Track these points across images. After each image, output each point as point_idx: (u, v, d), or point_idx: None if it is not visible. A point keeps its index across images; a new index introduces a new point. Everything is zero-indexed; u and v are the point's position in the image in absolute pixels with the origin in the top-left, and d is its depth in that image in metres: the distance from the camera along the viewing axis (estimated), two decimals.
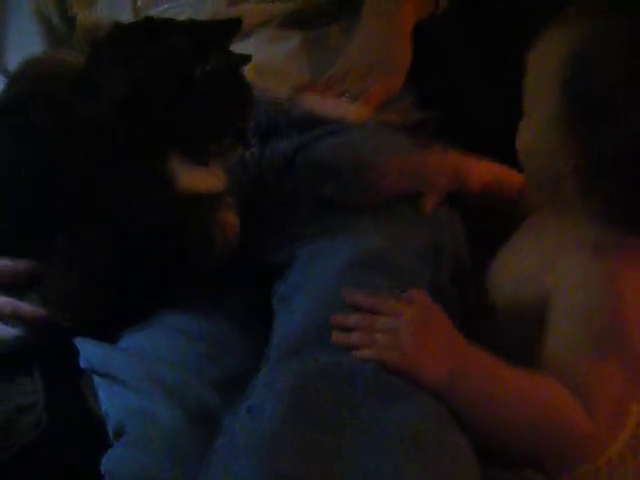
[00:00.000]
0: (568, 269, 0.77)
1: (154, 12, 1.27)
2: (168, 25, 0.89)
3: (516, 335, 0.79)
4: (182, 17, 1.21)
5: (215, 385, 0.80)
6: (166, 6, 1.29)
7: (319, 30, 1.28)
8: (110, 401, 0.83)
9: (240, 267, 0.92)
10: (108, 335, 0.88)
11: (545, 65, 0.82)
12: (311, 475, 0.64)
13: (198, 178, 0.88)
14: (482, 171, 0.96)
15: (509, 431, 0.70)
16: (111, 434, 0.83)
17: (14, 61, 1.19)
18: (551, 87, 0.80)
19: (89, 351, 0.87)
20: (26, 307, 0.90)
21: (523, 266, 0.83)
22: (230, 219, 0.91)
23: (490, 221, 0.94)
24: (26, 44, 1.29)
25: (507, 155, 1.27)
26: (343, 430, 0.67)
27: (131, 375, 0.81)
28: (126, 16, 1.27)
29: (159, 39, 0.85)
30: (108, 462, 0.78)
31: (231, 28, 0.92)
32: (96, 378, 0.89)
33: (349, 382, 0.70)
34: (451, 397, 0.71)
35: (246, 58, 0.86)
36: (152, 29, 0.88)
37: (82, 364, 0.90)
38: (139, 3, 1.29)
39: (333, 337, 0.74)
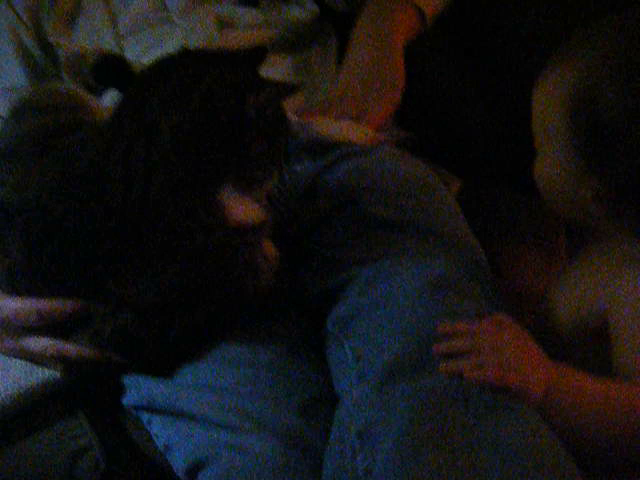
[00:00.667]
0: (622, 287, 0.80)
1: (136, 38, 1.26)
2: (208, 57, 0.89)
3: (579, 355, 0.82)
4: (172, 39, 1.24)
5: (297, 411, 0.80)
6: (147, 31, 1.27)
7: (304, 53, 1.30)
8: (179, 438, 0.82)
9: (283, 297, 0.92)
10: (161, 370, 0.87)
11: (552, 98, 0.84)
12: None
13: (248, 209, 0.88)
14: None
15: (601, 439, 0.74)
16: (182, 472, 0.82)
17: None
18: (560, 120, 0.83)
19: (148, 388, 0.86)
20: (71, 347, 0.88)
21: (580, 288, 0.86)
22: (270, 249, 0.92)
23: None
24: (7, 76, 1.25)
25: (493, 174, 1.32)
26: (469, 449, 0.69)
27: (208, 409, 0.81)
28: (107, 42, 1.26)
29: (204, 72, 0.85)
30: None
31: (258, 56, 0.93)
32: (147, 415, 0.88)
33: (465, 403, 0.73)
34: (548, 411, 0.74)
35: (294, 88, 0.87)
36: (194, 62, 0.87)
37: (131, 402, 0.88)
38: (120, 29, 1.27)
39: (441, 367, 0.76)
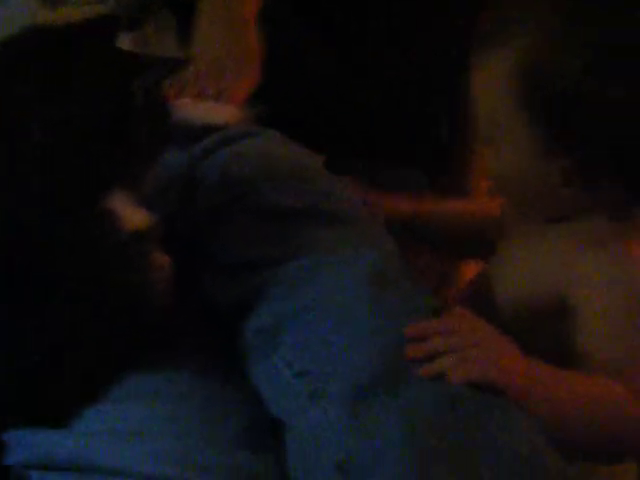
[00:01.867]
0: (587, 268, 0.76)
1: None
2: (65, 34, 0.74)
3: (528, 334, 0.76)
4: None
5: (238, 444, 0.69)
6: None
7: (139, 29, 1.17)
8: None
9: (186, 313, 0.80)
10: (60, 419, 0.72)
11: (497, 86, 0.78)
12: None
13: (138, 213, 0.75)
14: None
15: (578, 430, 0.69)
16: None
17: None
18: (513, 105, 0.77)
19: (44, 442, 0.71)
20: None
21: (533, 267, 0.81)
22: (160, 259, 0.79)
23: None
24: None
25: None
26: (469, 457, 0.64)
27: (131, 460, 0.67)
28: None
29: (75, 54, 0.70)
30: None
31: (113, 27, 0.78)
32: (37, 474, 0.73)
33: (453, 408, 0.66)
34: (528, 404, 0.68)
35: (181, 63, 0.74)
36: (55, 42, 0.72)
37: (19, 460, 0.73)
38: None
39: (422, 371, 0.67)
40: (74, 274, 0.70)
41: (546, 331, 0.77)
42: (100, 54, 0.71)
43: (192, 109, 1.01)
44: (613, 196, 0.77)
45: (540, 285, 0.78)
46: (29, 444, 0.72)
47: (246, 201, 0.85)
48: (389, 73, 1.23)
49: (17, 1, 1.08)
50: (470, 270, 1.49)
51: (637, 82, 0.74)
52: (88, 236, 0.70)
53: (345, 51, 1.22)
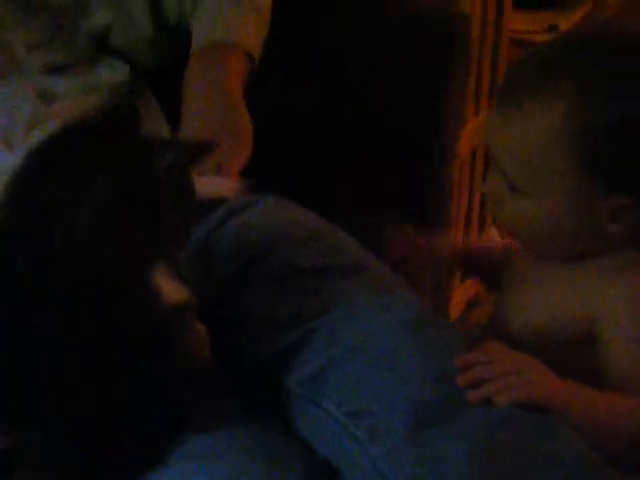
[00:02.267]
0: (618, 290, 0.81)
1: None
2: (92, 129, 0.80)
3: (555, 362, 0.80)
4: None
5: None
6: None
7: None
8: None
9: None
10: None
11: (546, 132, 0.80)
12: None
13: (176, 287, 0.80)
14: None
15: (615, 441, 0.75)
16: None
17: None
18: (566, 150, 0.79)
19: None
20: None
21: (553, 300, 0.85)
22: (198, 327, 0.84)
23: None
24: None
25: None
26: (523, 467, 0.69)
27: None
28: None
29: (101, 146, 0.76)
30: None
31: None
32: None
33: (505, 427, 0.71)
34: (570, 419, 0.74)
35: (207, 147, 0.80)
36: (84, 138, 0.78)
37: None
38: None
39: (471, 397, 0.73)
40: (126, 346, 0.74)
41: (572, 360, 0.81)
42: (123, 142, 0.77)
43: (196, 185, 1.08)
44: None
45: (569, 313, 0.83)
46: None
47: (263, 264, 0.91)
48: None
49: (20, 97, 1.13)
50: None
51: None
52: (136, 311, 0.75)
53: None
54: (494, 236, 1.79)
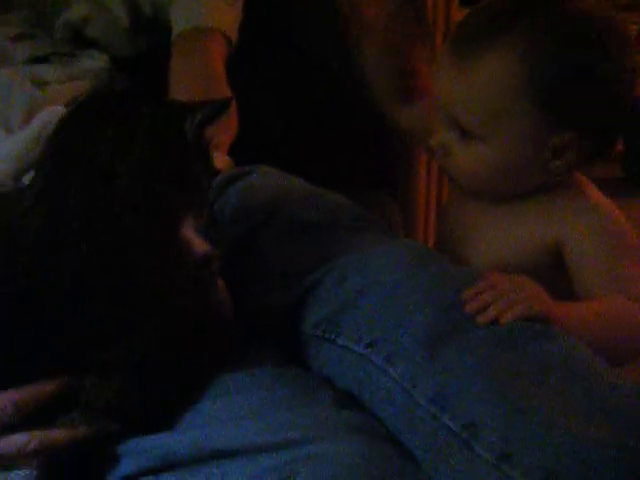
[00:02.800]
0: (580, 216, 0.93)
1: None
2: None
3: None
4: None
5: (338, 406, 0.81)
6: None
7: None
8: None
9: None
10: (168, 422, 0.81)
11: (504, 76, 0.88)
12: None
13: (201, 241, 0.86)
14: None
15: (605, 340, 0.85)
16: None
17: None
18: (521, 91, 0.88)
19: (159, 444, 0.79)
20: (59, 433, 0.79)
21: (518, 235, 0.96)
22: (220, 280, 0.90)
23: None
24: None
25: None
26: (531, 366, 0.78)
27: (255, 436, 0.76)
28: None
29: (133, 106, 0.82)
30: None
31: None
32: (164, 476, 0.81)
33: (511, 337, 0.79)
34: (566, 328, 0.83)
35: (225, 104, 0.86)
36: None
37: (133, 469, 0.81)
38: None
39: (479, 319, 0.81)
40: (159, 293, 0.80)
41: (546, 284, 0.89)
42: (153, 104, 0.83)
43: None
44: (584, 156, 0.94)
45: (536, 243, 0.94)
46: (142, 450, 0.80)
47: (272, 221, 0.98)
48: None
49: (16, 83, 1.17)
50: None
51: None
52: (169, 261, 0.81)
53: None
54: None
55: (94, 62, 1.31)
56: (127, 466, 0.82)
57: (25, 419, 0.79)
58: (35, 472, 0.82)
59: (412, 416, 0.78)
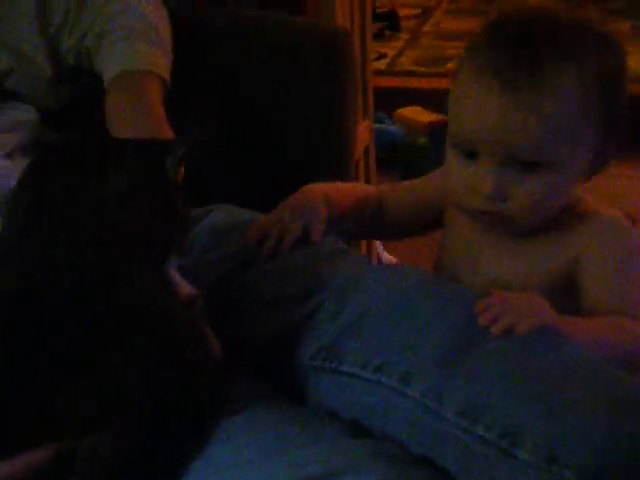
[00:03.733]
0: (592, 235, 0.93)
1: None
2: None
3: None
4: None
5: (349, 434, 0.79)
6: None
7: None
8: None
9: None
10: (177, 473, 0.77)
11: (571, 103, 0.86)
12: None
13: (183, 282, 0.82)
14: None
15: (608, 353, 0.84)
16: None
17: None
18: (587, 116, 0.87)
19: None
20: None
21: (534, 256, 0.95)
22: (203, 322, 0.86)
23: None
24: None
25: None
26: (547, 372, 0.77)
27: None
28: None
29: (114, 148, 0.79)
30: None
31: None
32: None
33: (525, 346, 0.79)
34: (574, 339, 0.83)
35: (200, 137, 0.83)
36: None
37: None
38: None
39: (493, 330, 0.80)
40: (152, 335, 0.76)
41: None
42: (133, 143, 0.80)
43: None
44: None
45: (551, 265, 0.94)
46: None
47: (252, 257, 0.96)
48: None
49: None
50: None
51: None
52: (155, 299, 0.77)
53: None
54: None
55: (21, 114, 1.25)
56: None
57: None
58: None
59: (440, 433, 0.76)
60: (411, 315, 0.83)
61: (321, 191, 1.01)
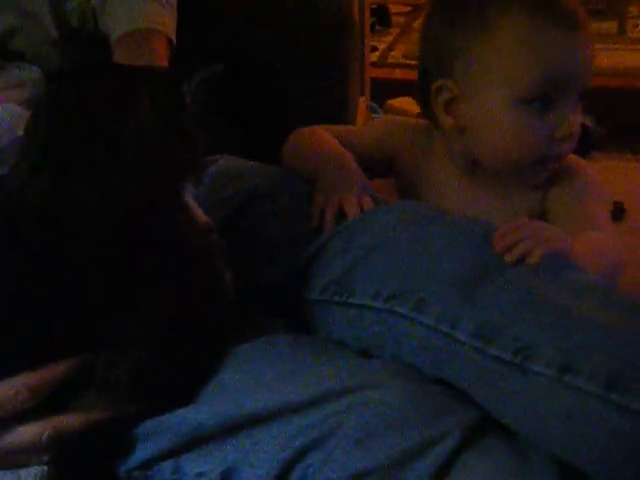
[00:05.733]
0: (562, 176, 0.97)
1: None
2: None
3: None
4: None
5: (359, 356, 0.80)
6: None
7: None
8: (251, 448, 0.74)
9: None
10: (191, 396, 0.77)
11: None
12: None
13: (200, 210, 0.83)
14: None
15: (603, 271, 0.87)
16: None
17: None
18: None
19: (184, 420, 0.75)
20: (75, 418, 0.74)
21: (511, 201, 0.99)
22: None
23: None
24: None
25: None
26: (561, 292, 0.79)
27: (289, 394, 0.74)
28: None
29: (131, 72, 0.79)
30: None
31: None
32: (172, 462, 0.76)
33: (538, 271, 0.81)
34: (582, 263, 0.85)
35: (218, 69, 0.84)
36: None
37: (154, 452, 0.76)
38: None
39: (507, 257, 0.81)
40: (179, 261, 0.77)
41: None
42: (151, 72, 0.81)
43: None
44: None
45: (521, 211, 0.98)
46: (164, 430, 0.75)
47: (263, 195, 0.97)
48: None
49: None
50: None
51: None
52: (179, 228, 0.78)
53: None
54: None
55: (27, 73, 1.26)
56: (145, 450, 0.77)
57: (38, 404, 0.73)
58: (47, 469, 0.76)
59: (454, 355, 0.77)
60: (424, 245, 0.84)
61: (346, 156, 1.00)
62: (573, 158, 0.99)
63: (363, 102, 1.75)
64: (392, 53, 3.23)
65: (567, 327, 0.73)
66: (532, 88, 0.91)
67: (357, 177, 0.95)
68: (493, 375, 0.75)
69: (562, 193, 0.96)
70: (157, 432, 0.76)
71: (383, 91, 2.70)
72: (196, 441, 0.76)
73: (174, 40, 1.25)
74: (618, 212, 2.00)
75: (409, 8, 3.78)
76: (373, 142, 1.07)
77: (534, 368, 0.72)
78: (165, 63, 1.21)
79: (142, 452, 0.77)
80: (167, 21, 1.25)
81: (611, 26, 3.57)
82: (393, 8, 3.62)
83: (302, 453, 0.73)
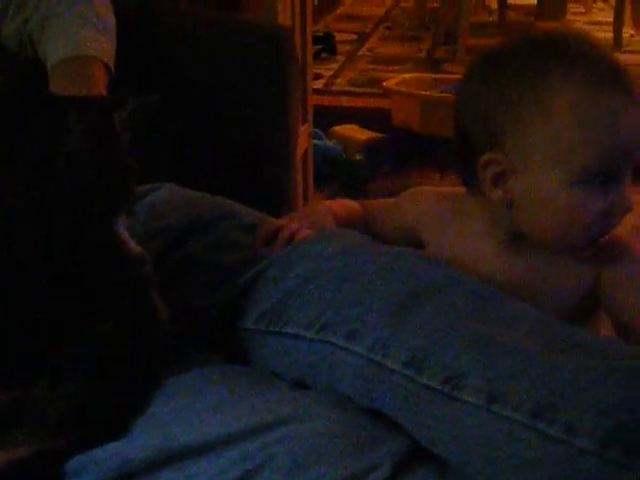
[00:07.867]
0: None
1: None
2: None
3: None
4: None
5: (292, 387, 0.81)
6: None
7: None
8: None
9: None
10: (124, 429, 0.76)
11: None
12: None
13: (133, 243, 0.82)
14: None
15: None
16: None
17: None
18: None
19: (116, 453, 0.74)
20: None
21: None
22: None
23: None
24: None
25: None
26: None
27: (222, 426, 0.73)
28: None
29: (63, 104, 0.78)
30: None
31: None
32: None
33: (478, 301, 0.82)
34: None
35: (154, 100, 0.83)
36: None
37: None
38: None
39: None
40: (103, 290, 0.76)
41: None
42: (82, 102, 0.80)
43: None
44: None
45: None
46: (95, 463, 0.74)
47: (199, 225, 0.97)
48: None
49: None
50: None
51: None
52: (106, 255, 0.77)
53: None
54: None
55: None
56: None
57: None
58: None
59: (386, 384, 0.77)
60: (356, 274, 0.84)
61: (327, 205, 1.02)
62: (621, 231, 0.93)
63: (305, 129, 1.76)
64: (337, 80, 3.25)
65: (494, 355, 0.74)
66: (590, 169, 0.85)
67: (319, 216, 0.96)
68: (424, 403, 0.75)
69: (617, 276, 0.91)
70: (86, 468, 0.75)
71: (328, 118, 2.72)
72: (126, 476, 0.74)
73: (112, 66, 1.25)
74: None
75: (355, 36, 3.83)
76: (397, 211, 1.03)
77: (463, 397, 0.73)
78: (102, 89, 1.20)
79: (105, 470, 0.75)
80: (104, 47, 1.24)
81: None
82: (339, 36, 3.65)
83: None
